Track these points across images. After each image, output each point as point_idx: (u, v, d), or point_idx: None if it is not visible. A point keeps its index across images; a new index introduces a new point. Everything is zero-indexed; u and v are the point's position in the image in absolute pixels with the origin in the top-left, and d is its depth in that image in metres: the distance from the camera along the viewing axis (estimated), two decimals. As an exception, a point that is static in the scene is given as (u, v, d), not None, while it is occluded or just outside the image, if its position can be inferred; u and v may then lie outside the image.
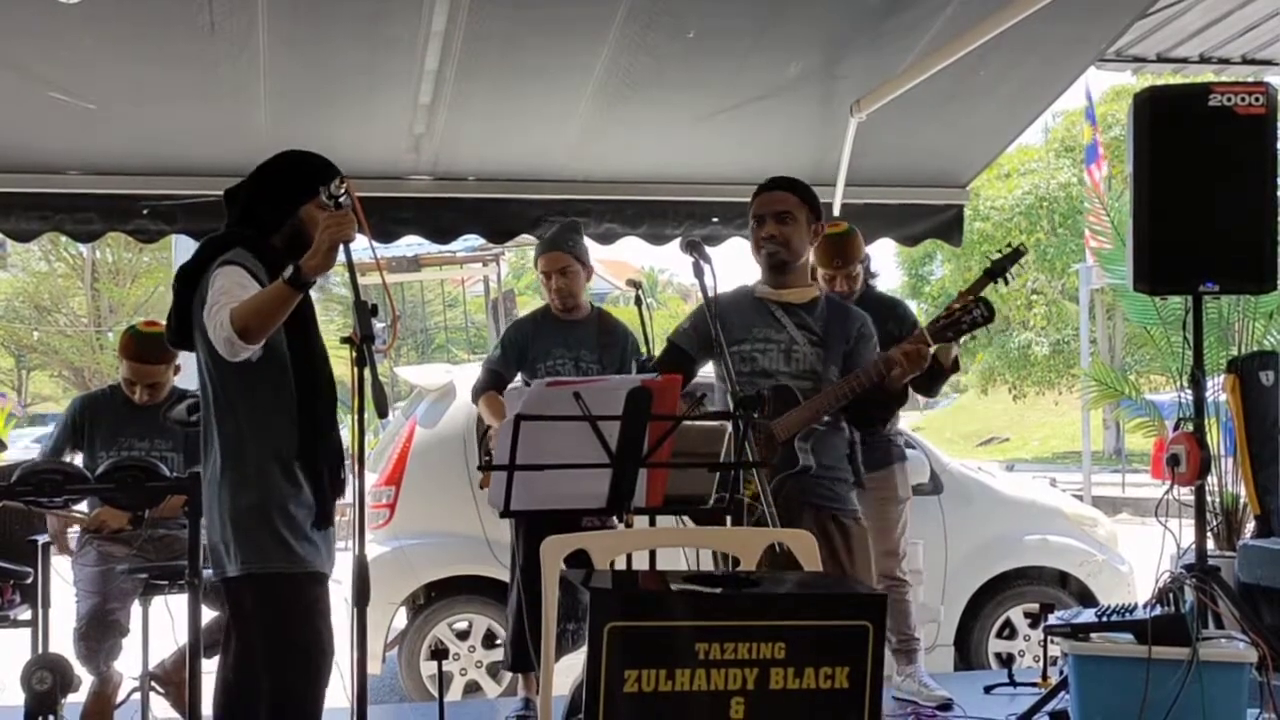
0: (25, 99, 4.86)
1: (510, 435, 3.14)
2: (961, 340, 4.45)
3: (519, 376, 4.88)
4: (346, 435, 3.08)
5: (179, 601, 4.00)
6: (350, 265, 3.01)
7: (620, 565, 3.31)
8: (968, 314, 3.46)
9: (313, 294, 3.27)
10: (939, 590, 5.93)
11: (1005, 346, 27.20)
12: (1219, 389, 5.82)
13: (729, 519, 3.76)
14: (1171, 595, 4.09)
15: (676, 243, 5.76)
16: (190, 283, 3.19)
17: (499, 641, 5.80)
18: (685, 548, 4.73)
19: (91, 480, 4.14)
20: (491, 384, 4.85)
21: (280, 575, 3.10)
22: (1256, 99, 4.38)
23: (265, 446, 3.12)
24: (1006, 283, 4.25)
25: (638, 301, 4.95)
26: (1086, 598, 6.04)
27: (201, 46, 4.59)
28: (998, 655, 6.07)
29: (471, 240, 9.49)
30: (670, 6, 4.69)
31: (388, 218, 5.64)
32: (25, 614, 4.57)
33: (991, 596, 6.14)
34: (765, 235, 3.75)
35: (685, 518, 3.81)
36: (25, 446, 16.43)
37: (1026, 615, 6.15)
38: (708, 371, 4.02)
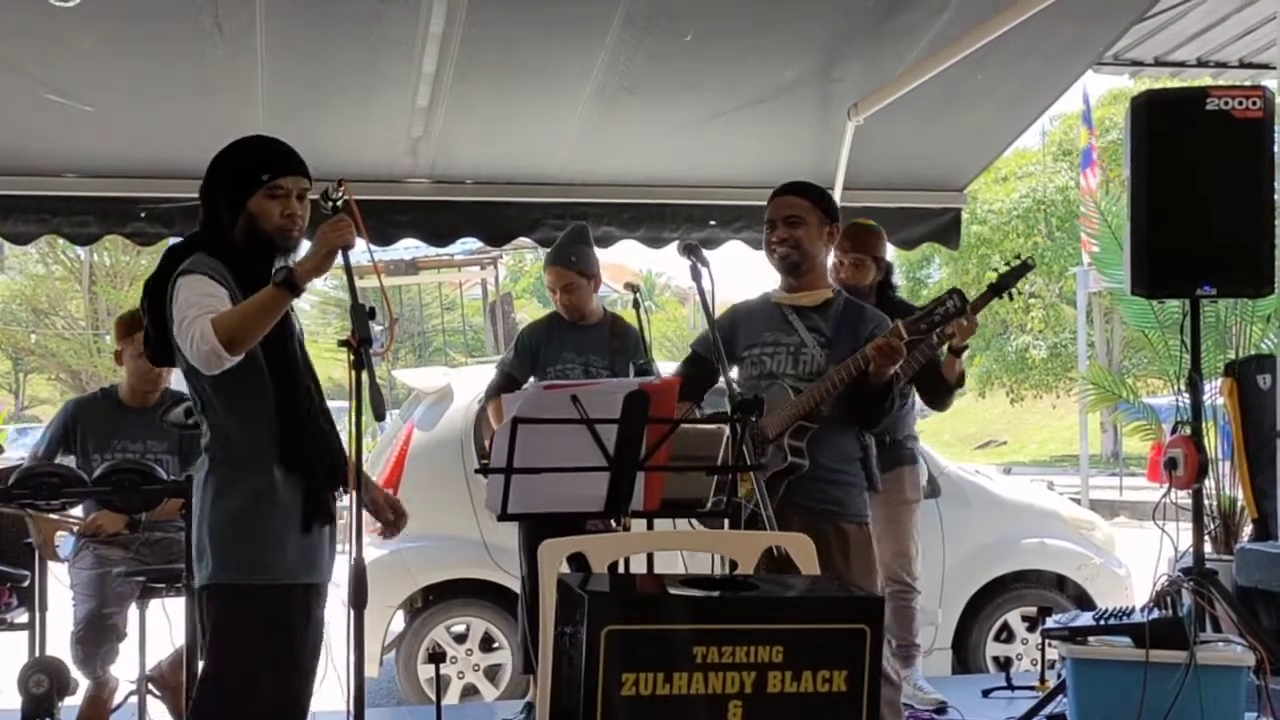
0: (23, 101, 4.86)
1: (508, 438, 3.14)
2: (964, 354, 4.48)
3: (531, 380, 4.90)
4: (345, 438, 3.04)
5: (176, 604, 4.00)
6: (348, 268, 3.00)
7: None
8: (940, 305, 3.46)
9: (306, 292, 3.23)
10: (936, 593, 5.92)
11: (1003, 350, 27.21)
12: (1216, 392, 5.82)
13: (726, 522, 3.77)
14: (1169, 599, 4.09)
15: (674, 246, 5.75)
16: (158, 296, 3.06)
17: (496, 645, 5.80)
18: (683, 551, 4.73)
19: (88, 483, 4.14)
20: (505, 386, 4.84)
21: (245, 588, 2.97)
22: (1254, 103, 4.39)
23: (246, 451, 3.01)
24: (1011, 298, 4.26)
25: (635, 305, 4.97)
26: (1084, 601, 6.04)
27: (200, 50, 4.59)
28: (995, 659, 6.07)
29: (469, 243, 9.48)
30: (668, 10, 4.69)
31: (385, 220, 5.64)
32: (22, 617, 4.57)
33: (989, 600, 6.13)
34: (776, 239, 3.76)
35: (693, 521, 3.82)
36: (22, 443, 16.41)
37: (1024, 618, 6.14)
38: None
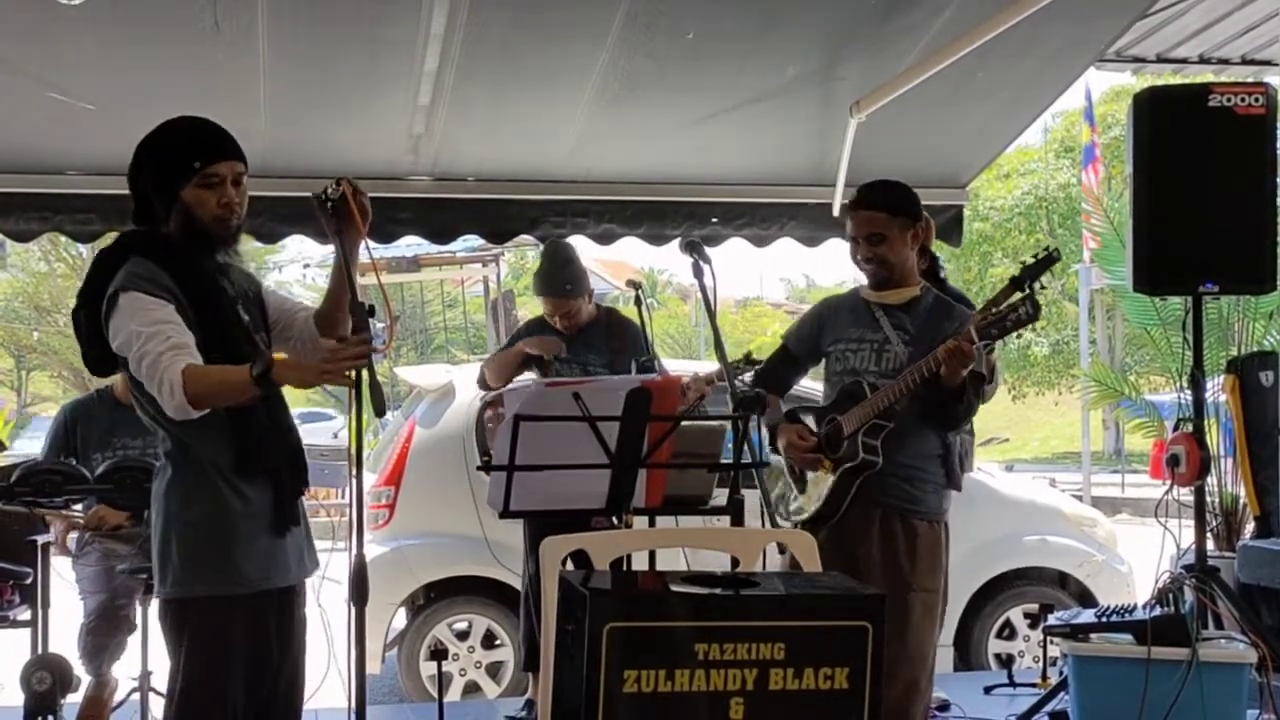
0: (25, 99, 4.85)
1: (510, 436, 3.15)
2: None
3: (529, 375, 4.91)
4: (345, 436, 3.01)
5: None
6: (348, 266, 2.97)
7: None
8: (1013, 311, 3.41)
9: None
10: (938, 591, 5.92)
11: (1005, 347, 27.01)
12: (1219, 389, 5.82)
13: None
14: (1171, 596, 4.09)
15: (676, 243, 5.76)
16: (94, 306, 2.86)
17: (498, 642, 5.81)
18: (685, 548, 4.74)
19: (90, 481, 4.15)
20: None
21: (216, 599, 2.84)
22: (1256, 99, 4.39)
23: (204, 458, 2.84)
24: (1033, 292, 4.21)
25: (637, 302, 4.97)
26: (1086, 598, 6.04)
27: (202, 47, 4.59)
28: (997, 656, 6.07)
29: (471, 240, 9.50)
30: (670, 8, 4.68)
31: (387, 218, 5.63)
32: (25, 614, 4.58)
33: (991, 597, 6.14)
34: (862, 258, 3.73)
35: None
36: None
37: (1026, 616, 6.15)
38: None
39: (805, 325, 3.92)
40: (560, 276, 4.90)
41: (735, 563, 3.06)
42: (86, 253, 30.45)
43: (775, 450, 3.83)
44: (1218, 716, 3.88)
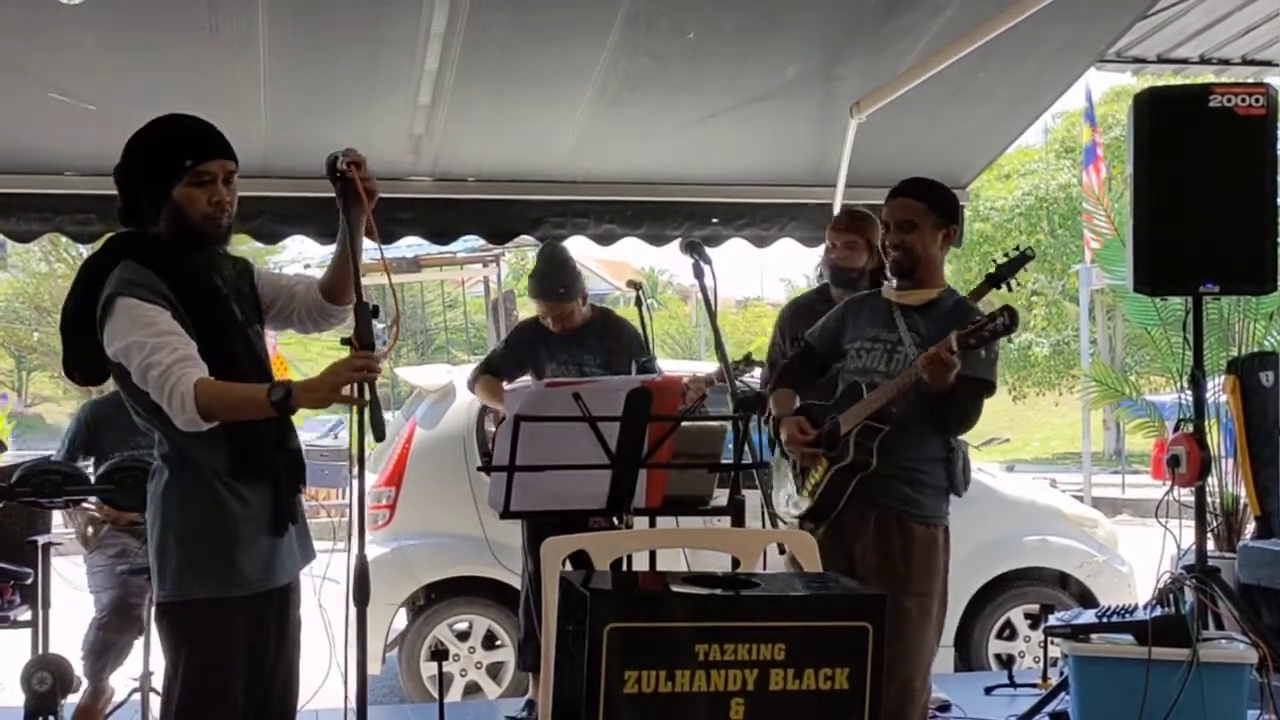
0: (26, 100, 4.86)
1: (510, 436, 3.15)
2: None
3: (526, 376, 4.91)
4: (345, 435, 3.01)
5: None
6: (355, 265, 2.93)
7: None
8: (991, 322, 3.42)
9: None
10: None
11: (1005, 347, 27.11)
12: (1219, 390, 5.82)
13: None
14: (1172, 596, 4.09)
15: (676, 243, 5.76)
16: (86, 316, 2.82)
17: (499, 642, 5.81)
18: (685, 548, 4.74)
19: (90, 481, 4.16)
20: (486, 370, 5.03)
21: (216, 601, 2.80)
22: (1257, 100, 4.39)
23: (201, 460, 2.82)
24: (1010, 289, 4.23)
25: (638, 302, 4.97)
26: (1087, 599, 6.04)
27: (202, 48, 4.59)
28: (998, 656, 6.06)
29: (471, 241, 9.48)
30: (670, 8, 4.69)
31: (387, 219, 5.62)
32: (25, 615, 4.58)
33: (992, 597, 6.13)
34: (889, 244, 3.71)
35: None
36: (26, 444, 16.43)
37: (1027, 616, 6.14)
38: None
39: (830, 322, 3.91)
40: (555, 280, 4.90)
41: (736, 563, 3.06)
42: (87, 253, 30.46)
43: (778, 441, 3.84)
44: (1218, 717, 3.88)
